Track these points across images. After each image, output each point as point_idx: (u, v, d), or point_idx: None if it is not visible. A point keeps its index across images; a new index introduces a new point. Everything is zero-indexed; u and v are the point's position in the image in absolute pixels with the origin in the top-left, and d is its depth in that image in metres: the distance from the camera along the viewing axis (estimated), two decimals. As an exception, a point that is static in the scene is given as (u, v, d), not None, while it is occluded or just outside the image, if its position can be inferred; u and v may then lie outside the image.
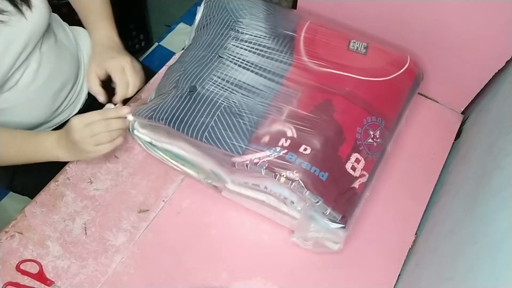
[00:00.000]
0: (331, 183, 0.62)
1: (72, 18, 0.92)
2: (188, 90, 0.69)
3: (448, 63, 0.85)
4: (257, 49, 0.74)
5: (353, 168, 0.65)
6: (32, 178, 0.90)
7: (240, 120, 0.65)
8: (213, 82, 0.69)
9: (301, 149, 0.63)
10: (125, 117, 0.72)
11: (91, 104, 0.96)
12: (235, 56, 0.73)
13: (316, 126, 0.65)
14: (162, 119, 0.67)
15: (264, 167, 0.61)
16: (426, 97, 0.92)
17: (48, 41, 0.79)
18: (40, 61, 0.77)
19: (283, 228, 0.73)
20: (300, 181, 0.60)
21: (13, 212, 1.45)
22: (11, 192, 1.49)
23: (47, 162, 0.86)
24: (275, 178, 0.61)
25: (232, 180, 0.68)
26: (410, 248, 0.72)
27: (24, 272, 0.66)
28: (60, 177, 0.77)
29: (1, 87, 0.72)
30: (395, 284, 0.69)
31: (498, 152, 0.60)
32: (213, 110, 0.66)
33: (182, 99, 0.68)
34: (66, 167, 0.78)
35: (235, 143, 0.63)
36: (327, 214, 0.62)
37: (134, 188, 0.76)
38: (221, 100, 0.67)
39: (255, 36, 0.75)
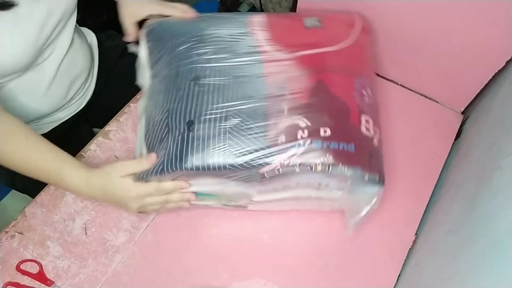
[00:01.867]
0: (359, 151, 0.64)
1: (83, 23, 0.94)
2: (187, 128, 0.65)
3: (448, 63, 0.85)
4: (224, 59, 0.71)
5: (368, 129, 0.66)
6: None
7: (251, 133, 0.64)
8: (204, 110, 0.66)
9: (321, 133, 0.63)
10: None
11: (95, 99, 0.97)
12: (209, 75, 0.69)
13: (322, 107, 0.66)
14: (178, 168, 0.63)
15: (297, 164, 0.62)
16: (426, 97, 0.92)
17: (71, 29, 0.82)
18: (67, 46, 0.81)
19: (284, 228, 0.73)
20: (336, 162, 0.61)
21: (14, 212, 1.44)
22: (11, 192, 1.49)
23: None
24: (312, 169, 0.61)
25: (259, 191, 0.67)
26: (410, 248, 0.72)
27: (24, 272, 0.66)
28: (60, 177, 0.77)
29: (33, 61, 0.74)
30: (395, 284, 0.69)
31: (498, 152, 0.59)
32: (222, 137, 0.64)
33: (186, 139, 0.64)
34: (66, 167, 0.78)
35: (258, 155, 0.62)
36: (366, 180, 0.63)
37: (134, 188, 0.76)
38: (223, 124, 0.65)
39: (215, 47, 0.72)
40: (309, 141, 0.62)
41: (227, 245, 0.72)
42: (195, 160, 0.62)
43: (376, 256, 0.72)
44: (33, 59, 0.73)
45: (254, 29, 0.75)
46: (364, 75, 0.73)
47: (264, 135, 0.64)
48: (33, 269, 0.67)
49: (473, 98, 0.87)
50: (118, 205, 0.67)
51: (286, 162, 0.62)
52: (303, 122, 0.64)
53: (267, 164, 0.62)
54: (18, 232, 0.71)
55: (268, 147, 0.63)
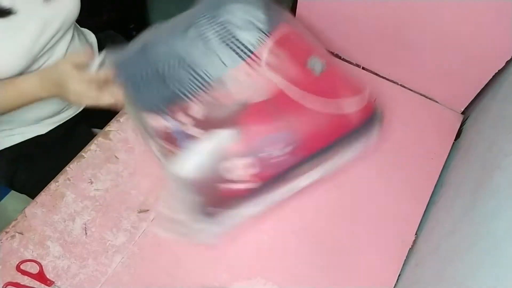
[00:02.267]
0: None
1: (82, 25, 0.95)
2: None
3: (448, 63, 0.85)
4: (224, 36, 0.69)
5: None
6: (33, 176, 0.91)
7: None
8: None
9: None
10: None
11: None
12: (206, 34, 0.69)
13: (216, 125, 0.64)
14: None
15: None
16: (426, 97, 0.92)
17: (69, 35, 0.82)
18: (64, 53, 0.81)
19: (284, 228, 0.73)
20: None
21: (13, 212, 1.45)
22: (11, 193, 1.49)
23: (48, 161, 0.86)
24: None
25: None
26: (410, 248, 0.72)
27: (24, 272, 0.66)
28: (61, 178, 0.77)
29: (27, 68, 0.74)
30: (395, 284, 0.69)
31: (498, 152, 0.59)
32: None
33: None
34: (67, 167, 0.78)
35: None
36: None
37: (134, 188, 0.76)
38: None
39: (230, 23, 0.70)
40: None
41: (227, 245, 0.72)
42: None
43: (376, 256, 0.72)
44: (26, 67, 0.73)
45: (273, 37, 0.71)
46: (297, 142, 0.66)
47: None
48: (33, 269, 0.67)
49: (473, 98, 0.87)
50: (63, 90, 0.71)
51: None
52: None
53: None
54: (18, 232, 0.71)
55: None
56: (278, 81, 0.66)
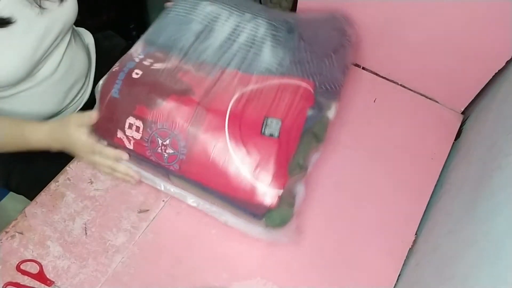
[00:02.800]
0: None
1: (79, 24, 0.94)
2: None
3: (448, 63, 0.85)
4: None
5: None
6: (28, 177, 0.90)
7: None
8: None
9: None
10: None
11: (94, 100, 0.97)
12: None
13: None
14: None
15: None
16: (426, 97, 0.92)
17: (67, 38, 0.82)
18: (62, 55, 0.81)
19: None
20: None
21: (13, 212, 1.45)
22: (11, 193, 1.49)
23: (44, 162, 0.86)
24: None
25: None
26: (410, 248, 0.72)
27: (25, 272, 0.66)
28: (61, 178, 0.77)
29: (27, 75, 0.75)
30: (395, 284, 0.69)
31: (498, 152, 0.59)
32: None
33: None
34: (67, 167, 0.78)
35: None
36: None
37: (134, 188, 0.76)
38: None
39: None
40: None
41: (227, 245, 0.72)
42: None
43: (376, 256, 0.72)
44: (28, 73, 0.73)
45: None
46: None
47: None
48: (33, 269, 0.67)
49: (473, 98, 0.87)
50: (75, 153, 0.72)
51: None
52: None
53: None
54: (18, 232, 0.70)
55: None
56: (227, 115, 0.65)
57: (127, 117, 0.66)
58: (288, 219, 0.65)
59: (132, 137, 0.66)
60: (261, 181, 0.62)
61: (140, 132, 0.66)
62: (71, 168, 0.78)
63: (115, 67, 0.69)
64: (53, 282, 0.66)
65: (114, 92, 0.67)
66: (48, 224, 0.72)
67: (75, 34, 0.88)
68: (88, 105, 0.97)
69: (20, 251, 0.69)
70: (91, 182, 0.76)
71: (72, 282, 0.67)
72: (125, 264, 0.69)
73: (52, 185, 0.76)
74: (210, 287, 0.68)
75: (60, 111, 0.88)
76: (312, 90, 0.70)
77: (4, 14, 0.66)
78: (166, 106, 0.64)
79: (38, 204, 0.74)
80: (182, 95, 0.65)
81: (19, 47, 0.70)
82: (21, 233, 0.70)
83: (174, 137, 0.64)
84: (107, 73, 0.69)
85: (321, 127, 0.72)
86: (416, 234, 0.74)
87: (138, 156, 0.68)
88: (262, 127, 0.64)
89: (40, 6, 0.71)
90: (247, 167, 0.62)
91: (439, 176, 0.80)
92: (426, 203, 0.77)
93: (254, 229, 0.68)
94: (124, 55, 0.72)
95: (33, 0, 0.70)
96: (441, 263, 0.58)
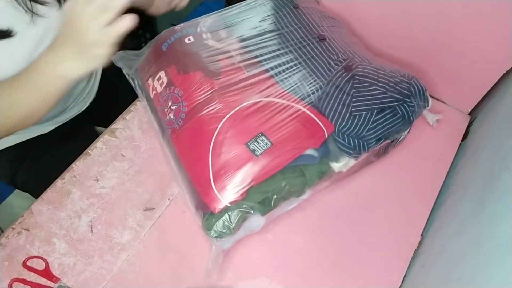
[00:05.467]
0: None
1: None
2: None
3: (456, 63, 0.84)
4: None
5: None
6: (34, 175, 0.91)
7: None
8: None
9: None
10: None
11: (99, 99, 0.97)
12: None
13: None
14: None
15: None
16: (433, 97, 0.92)
17: None
18: None
19: (289, 227, 0.73)
20: None
21: (19, 209, 1.46)
22: (16, 190, 1.50)
23: (49, 159, 0.86)
24: None
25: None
26: (416, 249, 0.72)
27: (31, 269, 0.67)
28: (67, 175, 0.77)
29: None
30: (400, 285, 0.69)
31: (506, 153, 0.59)
32: None
33: None
34: (73, 164, 0.78)
35: None
36: None
37: (140, 186, 0.76)
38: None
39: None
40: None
41: (232, 244, 0.72)
42: None
43: (381, 257, 0.71)
44: None
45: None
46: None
47: None
48: (39, 265, 0.67)
49: (480, 99, 0.86)
50: (86, 51, 0.58)
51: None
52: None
53: None
54: (24, 229, 0.71)
55: None
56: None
57: (160, 70, 0.72)
58: (216, 232, 0.61)
59: (155, 88, 0.73)
60: (217, 184, 0.61)
61: (162, 87, 0.71)
62: (77, 166, 0.78)
63: (178, 25, 0.76)
64: (59, 279, 0.66)
65: (164, 45, 0.74)
66: (54, 221, 0.72)
67: None
68: (94, 106, 0.97)
69: (27, 248, 0.69)
70: (97, 180, 0.77)
71: (78, 279, 0.67)
72: (130, 262, 0.69)
73: (58, 182, 0.76)
74: (215, 286, 0.68)
75: (63, 110, 0.88)
76: (326, 135, 0.66)
77: (3, 26, 0.63)
78: (189, 77, 0.68)
79: (45, 201, 0.74)
80: (208, 75, 0.68)
81: (15, 52, 0.67)
82: (27, 230, 0.71)
83: (180, 106, 0.67)
84: (170, 27, 0.76)
85: (314, 173, 0.66)
86: (422, 235, 0.74)
87: (152, 106, 0.74)
88: (250, 139, 0.63)
89: (33, 13, 0.66)
90: (215, 166, 0.62)
91: (446, 177, 0.80)
92: (433, 204, 0.77)
93: (198, 220, 0.66)
94: (193, 20, 0.78)
95: (26, 7, 0.65)
96: (447, 264, 0.58)
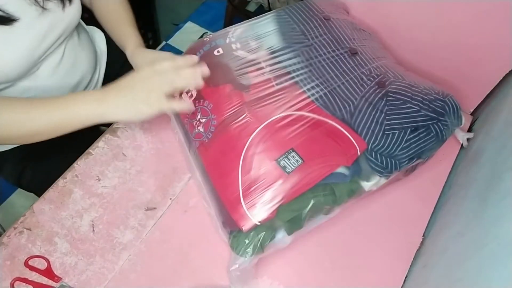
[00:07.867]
0: None
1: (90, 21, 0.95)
2: None
3: (458, 63, 0.84)
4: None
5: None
6: (39, 175, 0.91)
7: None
8: None
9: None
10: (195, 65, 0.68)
11: None
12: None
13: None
14: None
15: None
16: (435, 97, 0.92)
17: (72, 37, 0.82)
18: (63, 55, 0.80)
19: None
20: None
21: (21, 209, 1.46)
22: (19, 189, 1.50)
23: (54, 159, 0.86)
24: None
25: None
26: (417, 250, 0.72)
27: (32, 268, 0.67)
28: (68, 174, 0.77)
29: (27, 72, 0.74)
30: (402, 285, 0.69)
31: (509, 154, 0.59)
32: None
33: None
34: (75, 164, 0.78)
35: None
36: None
37: (142, 186, 0.77)
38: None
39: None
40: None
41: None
42: None
43: (383, 257, 0.71)
44: (27, 70, 0.73)
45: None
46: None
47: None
48: (41, 265, 0.67)
49: (482, 99, 0.86)
50: (135, 106, 0.63)
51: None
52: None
53: None
54: (26, 228, 0.71)
55: None
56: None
57: None
58: (245, 252, 0.60)
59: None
60: (247, 201, 0.59)
61: (191, 100, 0.70)
62: (79, 165, 0.78)
63: (207, 37, 0.75)
64: (61, 278, 0.67)
65: None
66: (56, 221, 0.72)
67: (80, 32, 0.88)
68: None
69: (28, 247, 0.69)
70: (99, 179, 0.77)
71: (80, 278, 0.67)
72: (132, 261, 0.69)
73: (60, 182, 0.76)
74: (216, 285, 0.68)
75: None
76: (359, 153, 0.64)
77: (8, 10, 0.66)
78: (219, 90, 0.68)
79: (46, 201, 0.74)
80: (237, 88, 0.67)
81: (20, 44, 0.69)
82: (29, 229, 0.71)
83: (210, 119, 0.66)
84: (199, 39, 0.76)
85: (344, 192, 0.64)
86: (423, 235, 0.73)
87: (180, 117, 0.74)
88: (281, 155, 0.61)
89: (42, 7, 0.70)
90: (245, 182, 0.60)
91: (448, 177, 0.80)
92: (434, 204, 0.77)
93: (224, 236, 0.65)
94: (222, 30, 0.76)
95: (35, 0, 0.69)
96: (449, 265, 0.58)
